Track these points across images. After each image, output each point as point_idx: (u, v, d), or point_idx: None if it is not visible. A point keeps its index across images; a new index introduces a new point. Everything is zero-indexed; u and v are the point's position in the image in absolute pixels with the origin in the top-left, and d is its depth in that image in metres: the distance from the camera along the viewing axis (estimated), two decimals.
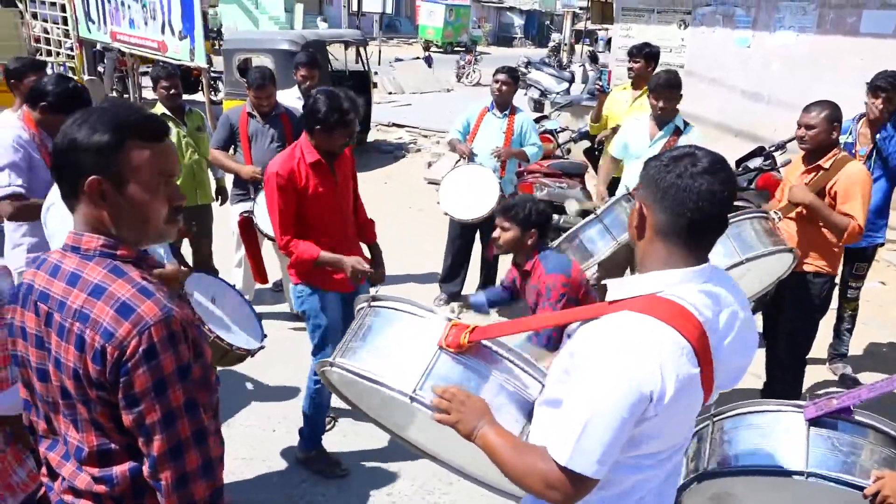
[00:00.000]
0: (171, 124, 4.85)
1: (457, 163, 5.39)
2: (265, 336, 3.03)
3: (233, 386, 4.17)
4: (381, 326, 1.86)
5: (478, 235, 5.51)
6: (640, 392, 1.38)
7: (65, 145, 1.41)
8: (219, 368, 2.86)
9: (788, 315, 3.73)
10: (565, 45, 25.80)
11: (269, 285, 5.50)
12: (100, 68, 14.56)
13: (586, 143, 7.46)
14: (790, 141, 6.41)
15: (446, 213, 5.14)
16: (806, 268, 3.66)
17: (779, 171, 6.26)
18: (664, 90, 4.37)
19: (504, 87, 5.18)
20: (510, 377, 1.74)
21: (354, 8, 26.66)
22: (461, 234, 5.49)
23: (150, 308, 1.37)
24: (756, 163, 6.30)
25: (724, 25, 8.67)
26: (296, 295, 3.41)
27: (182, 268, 2.68)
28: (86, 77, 12.76)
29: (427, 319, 1.79)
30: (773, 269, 3.44)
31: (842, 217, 3.50)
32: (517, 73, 5.42)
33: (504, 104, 5.27)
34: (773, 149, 6.48)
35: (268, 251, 5.03)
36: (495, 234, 3.25)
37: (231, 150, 4.96)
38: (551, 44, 27.37)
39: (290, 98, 5.44)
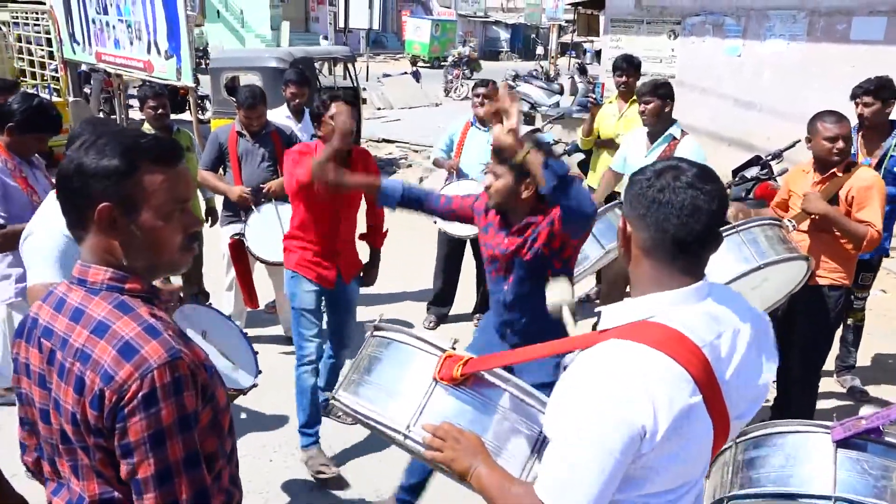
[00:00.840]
0: None
1: (446, 180, 5.30)
2: (260, 372, 2.89)
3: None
4: (379, 358, 1.78)
5: (469, 252, 5.42)
6: (631, 427, 1.27)
7: (71, 171, 1.31)
8: None
9: (802, 329, 3.63)
10: (552, 57, 25.87)
11: (261, 308, 5.37)
12: (86, 89, 14.44)
13: (580, 156, 7.38)
14: (788, 149, 6.38)
15: (443, 231, 5.03)
16: (820, 280, 3.57)
17: (776, 181, 6.21)
18: (648, 95, 4.34)
19: (487, 101, 5.12)
20: (509, 409, 1.65)
21: (341, 24, 26.67)
22: (450, 252, 5.39)
23: (156, 349, 1.26)
24: (753, 172, 6.24)
25: (714, 35, 8.67)
26: (286, 278, 3.70)
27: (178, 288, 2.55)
28: (71, 98, 12.63)
29: (422, 351, 1.69)
30: (785, 281, 3.35)
31: (859, 225, 3.41)
32: (497, 87, 5.37)
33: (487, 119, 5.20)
34: (769, 158, 6.43)
35: (260, 273, 4.91)
36: (486, 181, 2.72)
37: (220, 171, 4.84)
38: (538, 56, 27.49)
39: (280, 116, 5.35)
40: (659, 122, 4.37)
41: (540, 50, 29.65)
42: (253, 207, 4.56)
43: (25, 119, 2.99)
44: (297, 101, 5.36)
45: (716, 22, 8.63)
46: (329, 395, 1.80)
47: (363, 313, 5.32)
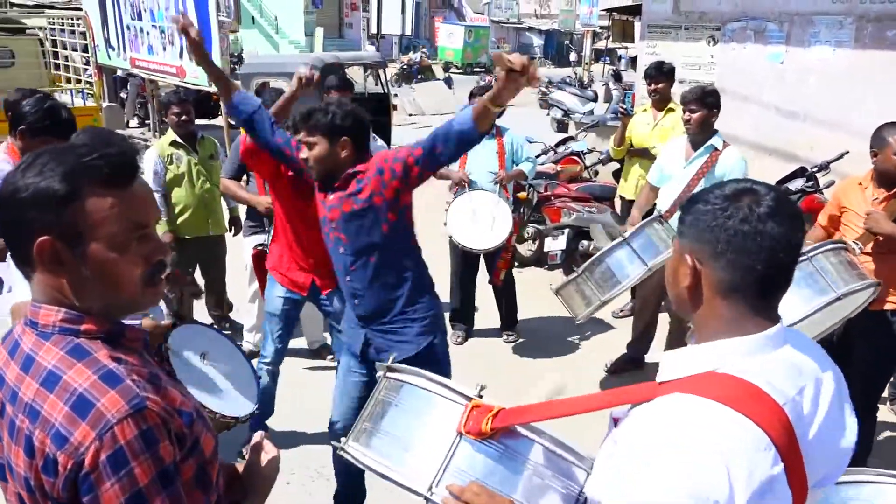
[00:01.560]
0: (182, 152, 4.68)
1: (455, 192, 5.03)
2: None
3: (240, 432, 3.89)
4: (394, 404, 1.59)
5: (482, 262, 5.21)
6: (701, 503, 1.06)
7: (6, 199, 1.12)
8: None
9: (861, 355, 3.36)
10: (585, 63, 25.57)
11: None
12: (123, 94, 14.55)
13: (615, 165, 7.16)
14: (835, 160, 6.08)
15: (460, 245, 4.82)
16: (886, 305, 3.30)
17: (822, 193, 5.92)
18: (693, 103, 4.12)
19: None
20: (542, 464, 1.44)
21: (374, 30, 26.69)
22: (466, 265, 5.18)
23: (114, 401, 1.06)
24: (798, 184, 5.98)
25: (755, 41, 8.36)
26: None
27: (163, 321, 2.41)
28: (105, 104, 12.75)
29: (444, 399, 1.50)
30: (843, 306, 3.10)
31: None
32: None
33: None
34: (815, 169, 6.15)
35: None
36: (302, 153, 2.67)
37: (244, 180, 4.71)
38: (572, 63, 27.19)
39: None
40: (703, 132, 4.15)
41: (573, 56, 29.36)
42: None
43: (37, 122, 2.88)
44: None
45: (757, 28, 8.32)
46: (338, 445, 1.62)
47: None
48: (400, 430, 1.54)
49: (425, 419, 1.52)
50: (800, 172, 6.13)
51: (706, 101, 4.10)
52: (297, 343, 5.04)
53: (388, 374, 1.63)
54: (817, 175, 6.07)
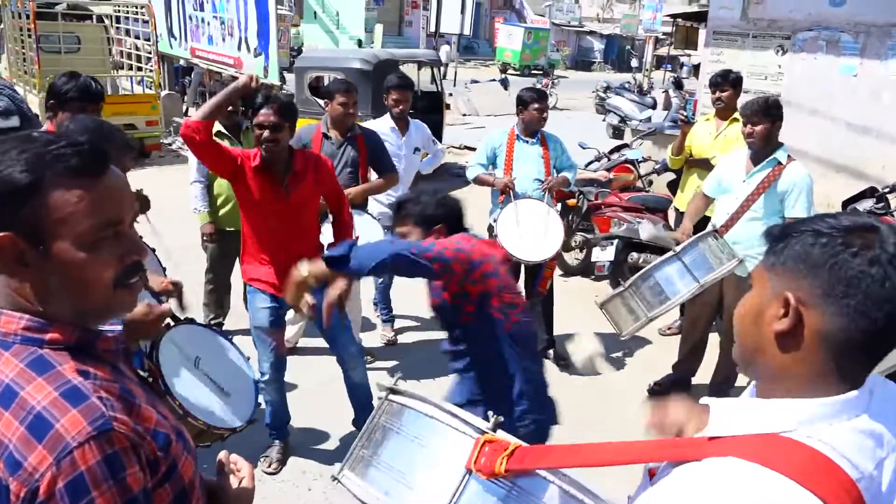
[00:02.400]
0: (226, 142, 4.62)
1: (500, 202, 4.69)
2: (259, 405, 2.54)
3: (264, 433, 3.80)
4: (396, 432, 1.43)
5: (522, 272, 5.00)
6: None
7: None
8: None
9: None
10: (646, 69, 25.05)
11: None
12: (187, 81, 14.77)
13: (671, 175, 6.89)
14: None
15: (514, 258, 4.52)
16: None
17: (893, 216, 5.56)
18: (758, 115, 3.84)
19: (546, 114, 4.76)
20: None
21: (433, 29, 26.66)
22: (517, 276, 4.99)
23: (76, 421, 0.94)
24: (867, 205, 5.62)
25: (827, 52, 7.96)
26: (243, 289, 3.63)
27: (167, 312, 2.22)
28: (164, 92, 12.95)
29: (453, 430, 1.34)
30: None
31: None
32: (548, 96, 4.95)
33: (534, 131, 4.77)
34: (886, 190, 5.79)
35: None
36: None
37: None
38: (634, 69, 26.67)
39: (384, 127, 4.93)
40: (765, 145, 3.90)
41: (634, 62, 28.79)
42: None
43: (64, 94, 2.93)
44: (401, 107, 4.89)
45: (830, 38, 7.92)
46: (335, 475, 1.48)
47: (416, 349, 5.04)
48: (401, 462, 1.39)
49: (430, 451, 1.37)
50: (869, 193, 5.77)
51: (770, 113, 3.84)
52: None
53: (391, 398, 1.47)
54: (888, 196, 5.70)
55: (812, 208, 3.90)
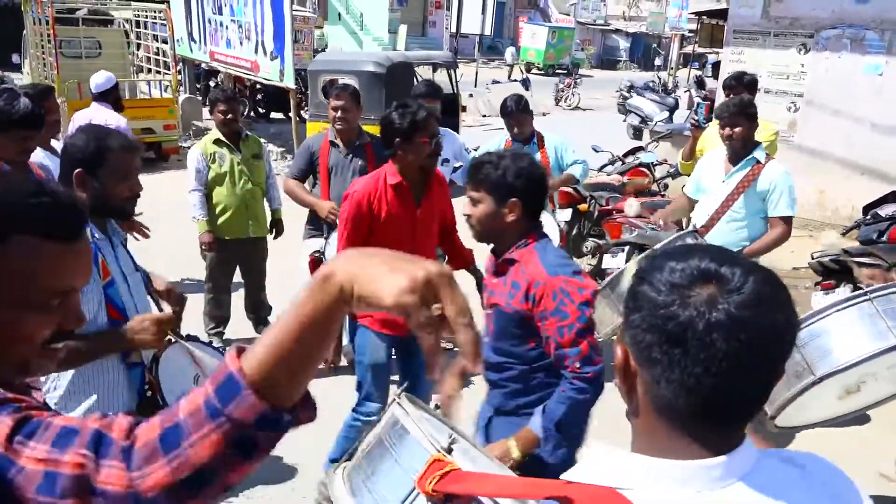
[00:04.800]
0: (225, 150, 4.59)
1: None
2: None
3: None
4: (384, 441, 1.38)
5: None
6: None
7: None
8: None
9: None
10: (671, 68, 24.69)
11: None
12: (211, 83, 14.87)
13: (687, 179, 6.71)
14: None
15: None
16: None
17: None
18: (736, 117, 3.76)
19: (526, 118, 4.71)
20: None
21: (455, 29, 26.58)
22: None
23: None
24: (889, 210, 5.41)
25: (851, 50, 7.72)
26: (349, 327, 3.35)
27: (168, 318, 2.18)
28: (183, 95, 13.04)
29: (420, 446, 1.28)
30: None
31: None
32: (527, 103, 4.83)
33: (527, 136, 4.72)
34: None
35: None
36: (465, 209, 2.37)
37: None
38: (657, 67, 26.31)
39: None
40: (744, 146, 3.80)
41: (658, 61, 28.42)
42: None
43: (14, 121, 2.71)
44: None
45: (855, 36, 7.67)
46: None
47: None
48: (380, 475, 1.33)
49: (401, 467, 1.31)
50: (892, 197, 5.56)
51: (749, 113, 3.79)
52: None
53: (395, 401, 1.40)
54: None
55: (795, 206, 3.83)
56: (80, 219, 0.99)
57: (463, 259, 3.46)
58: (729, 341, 0.83)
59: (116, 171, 2.08)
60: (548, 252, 2.28)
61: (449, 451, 1.27)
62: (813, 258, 4.88)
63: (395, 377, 3.52)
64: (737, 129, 3.76)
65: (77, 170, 2.04)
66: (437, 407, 1.72)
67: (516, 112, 4.68)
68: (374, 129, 4.34)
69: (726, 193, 3.85)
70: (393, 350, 3.28)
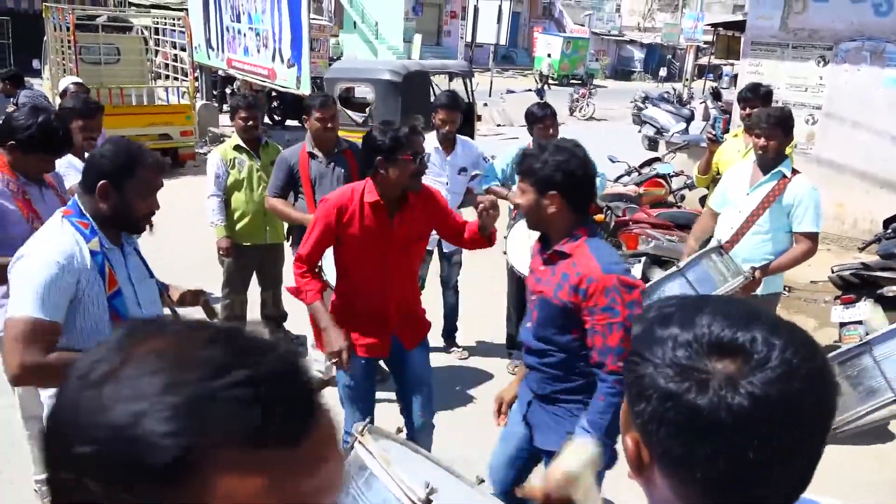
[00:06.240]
0: (245, 157, 4.60)
1: (515, 215, 4.58)
2: None
3: None
4: (353, 488, 1.33)
5: None
6: None
7: (52, 430, 0.58)
8: None
9: None
10: (686, 79, 24.63)
11: None
12: (228, 90, 14.96)
13: (704, 191, 6.68)
14: None
15: (520, 274, 4.40)
16: None
17: None
18: (774, 128, 3.69)
19: (552, 130, 4.58)
20: None
21: (470, 39, 26.66)
22: (524, 291, 4.83)
23: None
24: None
25: (871, 63, 7.68)
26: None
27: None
28: (200, 102, 13.13)
29: (392, 496, 1.24)
30: None
31: None
32: (554, 111, 4.78)
33: None
34: None
35: None
36: (516, 198, 2.49)
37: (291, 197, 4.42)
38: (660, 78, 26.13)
39: (428, 146, 4.80)
40: (774, 158, 3.74)
41: (663, 72, 28.29)
42: None
43: (29, 137, 2.70)
44: (448, 127, 4.68)
45: (875, 48, 7.62)
46: None
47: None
48: None
49: None
50: None
51: (787, 125, 3.72)
52: None
53: (360, 441, 1.37)
54: None
55: (821, 221, 3.77)
56: (310, 393, 0.59)
57: (483, 240, 3.16)
58: (759, 428, 0.71)
59: (141, 187, 2.09)
60: (601, 249, 2.33)
61: (429, 499, 1.23)
62: (833, 272, 4.83)
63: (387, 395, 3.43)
64: (772, 142, 3.68)
65: (102, 181, 2.05)
66: (398, 431, 1.67)
67: (545, 117, 4.59)
68: None
69: (751, 206, 3.79)
70: (374, 370, 3.17)
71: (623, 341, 2.22)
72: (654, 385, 0.74)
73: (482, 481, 1.28)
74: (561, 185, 2.27)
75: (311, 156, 4.28)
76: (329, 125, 4.19)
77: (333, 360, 2.80)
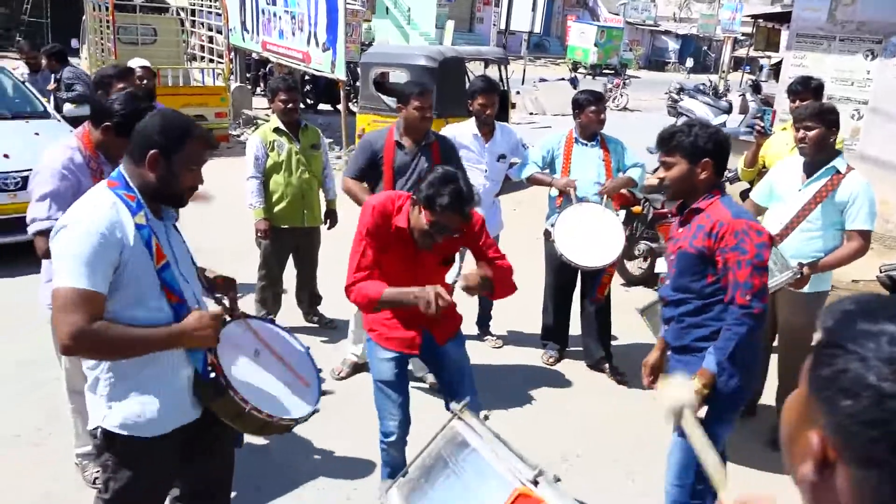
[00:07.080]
0: (284, 140, 4.60)
1: (559, 204, 4.54)
2: (323, 393, 2.51)
3: (291, 452, 3.74)
4: (448, 464, 1.33)
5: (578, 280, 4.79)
6: None
7: None
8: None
9: None
10: (723, 71, 24.22)
11: None
12: (261, 72, 15.02)
13: (744, 185, 6.54)
14: None
15: (572, 263, 4.35)
16: None
17: None
18: (811, 119, 3.61)
19: (603, 116, 4.57)
20: None
21: (504, 26, 26.45)
22: (564, 280, 4.78)
23: None
24: None
25: None
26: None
27: (221, 313, 2.22)
28: (235, 84, 13.19)
29: (498, 474, 1.23)
30: None
31: None
32: (604, 99, 4.72)
33: (593, 133, 4.57)
34: None
35: None
36: (659, 173, 2.83)
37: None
38: (687, 66, 25.62)
39: (467, 132, 4.65)
40: (820, 153, 3.64)
41: (689, 62, 27.82)
42: None
43: (125, 122, 2.75)
44: (488, 112, 4.55)
45: None
46: (382, 486, 1.40)
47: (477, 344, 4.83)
48: (448, 499, 1.30)
49: (475, 492, 1.27)
50: None
51: (826, 118, 3.61)
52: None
53: (459, 418, 1.37)
54: None
55: (874, 220, 3.67)
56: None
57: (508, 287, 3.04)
58: None
59: (189, 160, 2.10)
60: (732, 204, 2.68)
61: (535, 483, 1.23)
62: (881, 271, 4.71)
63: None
64: (811, 133, 3.60)
65: (153, 150, 2.05)
66: (486, 417, 1.68)
67: (598, 100, 4.56)
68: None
69: (802, 203, 3.70)
70: (407, 364, 3.09)
71: (751, 276, 2.53)
72: (863, 382, 0.68)
73: (540, 472, 1.26)
74: (712, 153, 2.64)
75: (398, 145, 4.12)
76: (427, 115, 4.05)
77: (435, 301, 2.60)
